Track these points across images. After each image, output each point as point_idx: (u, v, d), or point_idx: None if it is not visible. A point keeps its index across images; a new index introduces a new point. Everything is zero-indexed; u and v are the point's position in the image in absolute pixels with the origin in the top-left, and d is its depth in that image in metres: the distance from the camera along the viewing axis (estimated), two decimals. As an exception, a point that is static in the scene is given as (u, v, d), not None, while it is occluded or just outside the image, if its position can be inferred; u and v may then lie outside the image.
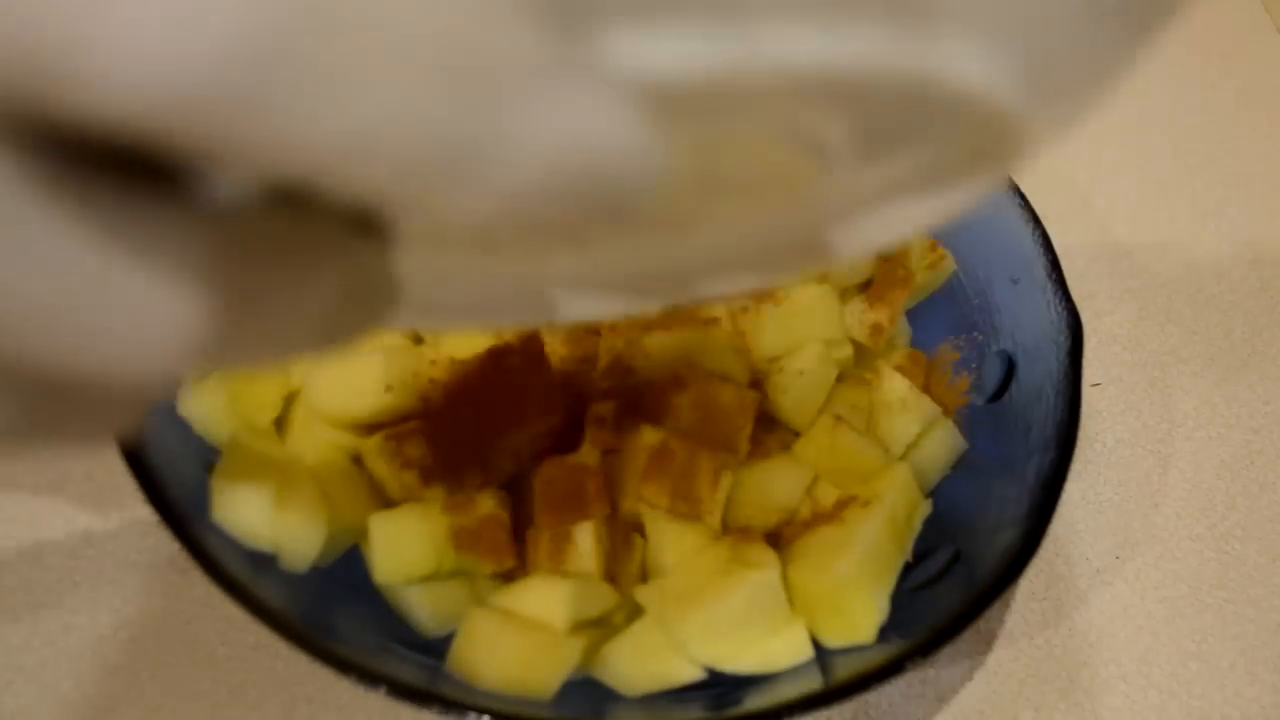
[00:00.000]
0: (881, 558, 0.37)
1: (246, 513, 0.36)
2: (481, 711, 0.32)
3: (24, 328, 0.11)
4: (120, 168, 0.11)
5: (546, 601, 0.35)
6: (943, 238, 0.47)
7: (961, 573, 0.38)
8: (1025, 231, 0.45)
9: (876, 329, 0.42)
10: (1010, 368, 0.44)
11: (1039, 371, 0.42)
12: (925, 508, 0.40)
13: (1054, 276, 0.44)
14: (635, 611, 0.38)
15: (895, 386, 0.41)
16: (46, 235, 0.11)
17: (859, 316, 0.43)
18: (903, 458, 0.41)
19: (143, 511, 0.43)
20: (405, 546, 0.36)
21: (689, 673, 0.36)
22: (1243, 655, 0.44)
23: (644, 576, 0.39)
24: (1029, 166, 0.59)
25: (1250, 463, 0.51)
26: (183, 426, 0.39)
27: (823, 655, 0.37)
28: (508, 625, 0.35)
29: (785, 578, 0.37)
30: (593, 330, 0.42)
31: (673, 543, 0.38)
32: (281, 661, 0.40)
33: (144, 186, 0.12)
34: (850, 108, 0.13)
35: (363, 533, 0.38)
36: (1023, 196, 0.46)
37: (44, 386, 0.13)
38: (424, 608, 0.37)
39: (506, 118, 0.11)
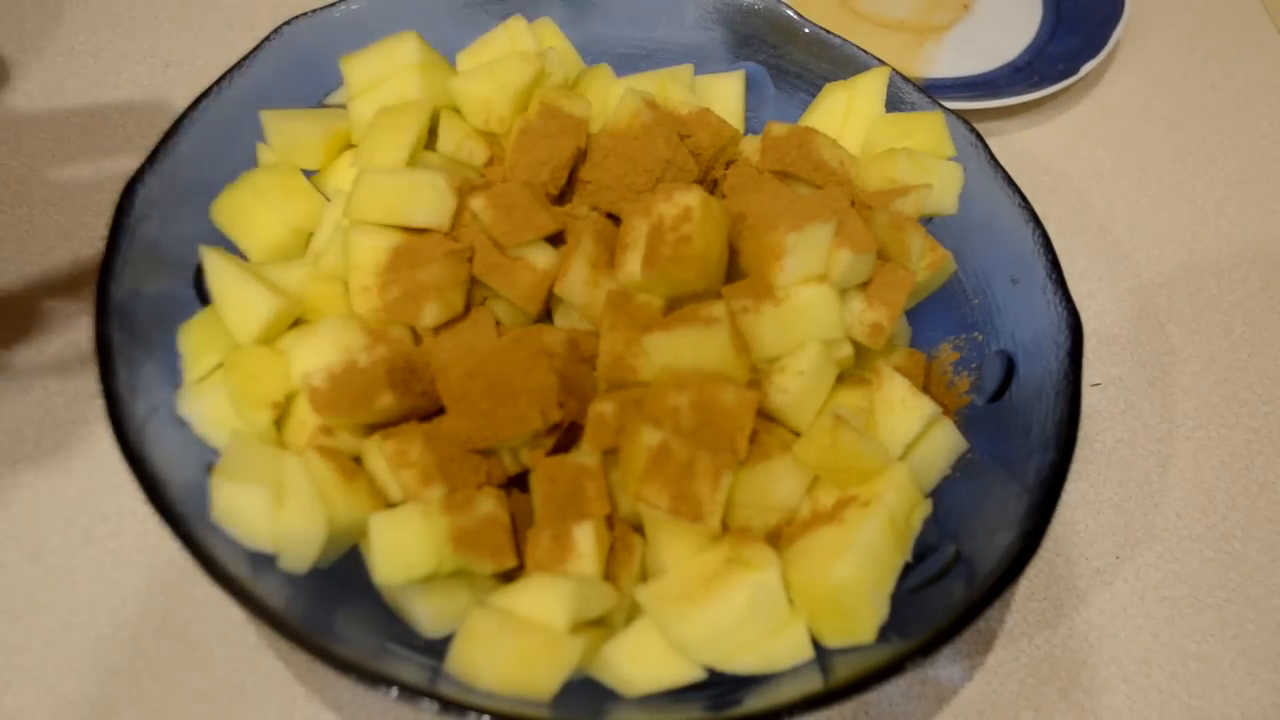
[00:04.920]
0: (881, 558, 0.37)
1: (246, 513, 0.36)
2: (481, 711, 0.32)
3: None
4: None
5: (546, 601, 0.35)
6: (943, 238, 0.47)
7: (961, 573, 0.38)
8: (1025, 231, 0.45)
9: (876, 329, 0.42)
10: (1010, 368, 0.44)
11: (1039, 371, 0.42)
12: (925, 508, 0.40)
13: (1054, 276, 0.44)
14: (635, 611, 0.38)
15: (895, 386, 0.41)
16: None
17: (859, 316, 0.43)
18: (903, 458, 0.41)
19: (143, 511, 0.43)
20: (405, 546, 0.36)
21: (689, 673, 0.36)
22: (1243, 655, 0.44)
23: (644, 576, 0.39)
24: (1030, 167, 0.59)
25: (1250, 463, 0.51)
26: (183, 426, 0.39)
27: (823, 655, 0.37)
28: (508, 625, 0.35)
29: (785, 578, 0.37)
30: (592, 330, 0.42)
31: (673, 543, 0.38)
32: (281, 661, 0.40)
33: None
34: None
35: (363, 533, 0.38)
36: (1023, 196, 0.46)
37: None
38: (424, 608, 0.37)
39: None
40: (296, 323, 0.42)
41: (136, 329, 0.39)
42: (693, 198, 0.39)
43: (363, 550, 0.39)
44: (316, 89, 0.49)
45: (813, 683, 0.35)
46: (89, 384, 0.47)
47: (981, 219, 0.47)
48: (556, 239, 0.43)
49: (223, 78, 0.46)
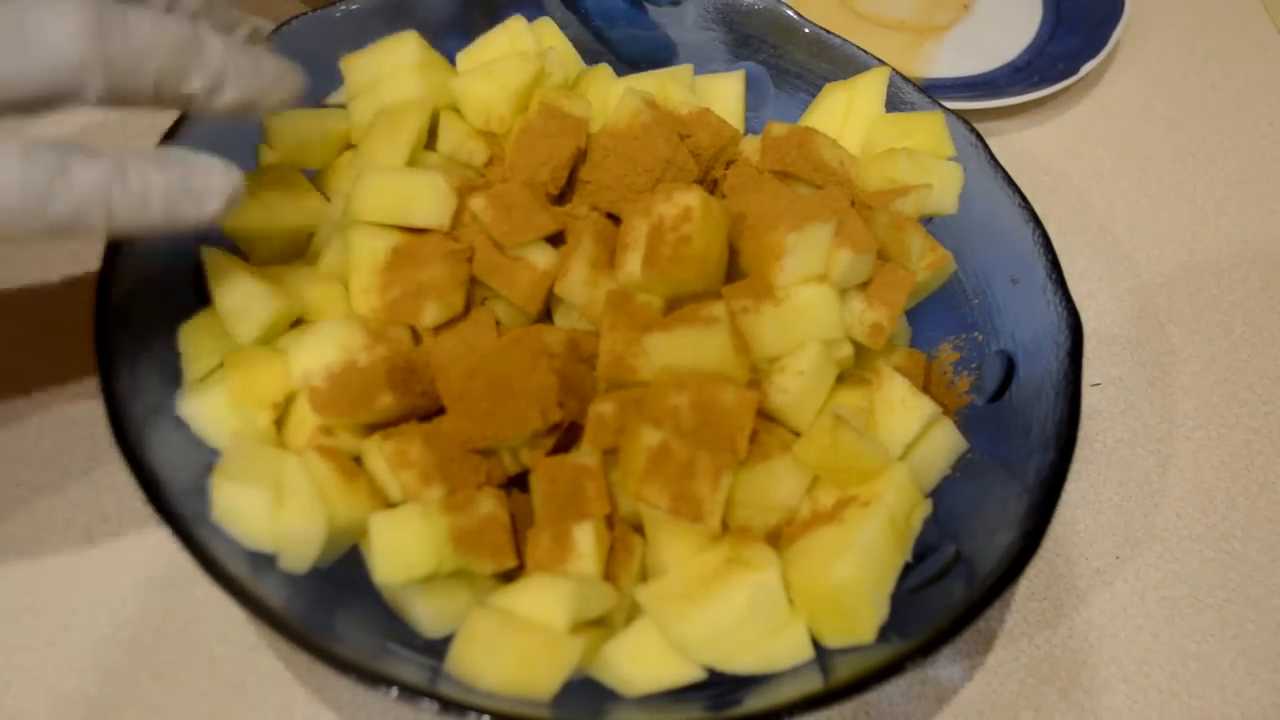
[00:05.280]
0: (881, 558, 0.37)
1: (246, 513, 0.36)
2: (481, 711, 0.32)
3: None
4: None
5: (546, 601, 0.35)
6: (943, 238, 0.47)
7: (961, 573, 0.38)
8: (1025, 231, 0.45)
9: (876, 329, 0.42)
10: (1010, 368, 0.44)
11: (1039, 371, 0.42)
12: (925, 508, 0.40)
13: (1054, 276, 0.44)
14: (635, 611, 0.38)
15: (895, 386, 0.41)
16: None
17: (859, 316, 0.43)
18: (903, 458, 0.41)
19: (143, 511, 0.43)
20: (405, 546, 0.36)
21: (689, 673, 0.36)
22: (1243, 655, 0.44)
23: (644, 576, 0.39)
24: (1030, 167, 0.59)
25: (1250, 463, 0.51)
26: (183, 426, 0.39)
27: (823, 655, 0.37)
28: (508, 625, 0.35)
29: (785, 578, 0.37)
30: (592, 330, 0.42)
31: (673, 543, 0.38)
32: (282, 661, 0.40)
33: None
34: None
35: (363, 533, 0.38)
36: (1023, 196, 0.46)
37: None
38: (424, 608, 0.37)
39: None
40: (297, 323, 0.42)
41: (136, 329, 0.39)
42: (693, 198, 0.39)
43: (363, 550, 0.39)
44: (316, 89, 0.49)
45: (813, 683, 0.35)
46: (89, 384, 0.47)
47: (981, 219, 0.47)
48: (556, 239, 0.43)
49: (223, 78, 0.46)
